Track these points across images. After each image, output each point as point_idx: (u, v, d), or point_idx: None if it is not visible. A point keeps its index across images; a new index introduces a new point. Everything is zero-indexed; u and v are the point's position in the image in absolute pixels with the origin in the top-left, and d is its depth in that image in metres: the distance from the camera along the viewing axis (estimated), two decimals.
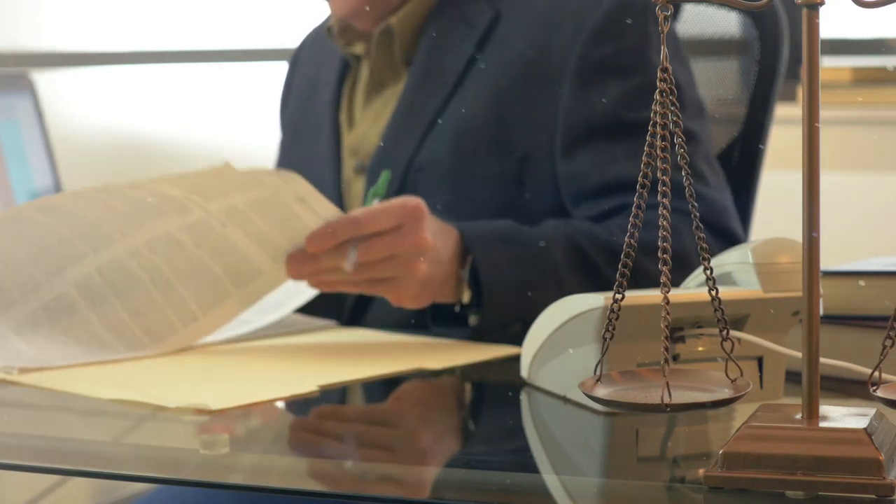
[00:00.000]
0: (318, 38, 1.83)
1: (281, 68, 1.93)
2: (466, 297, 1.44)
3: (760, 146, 1.84)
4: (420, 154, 1.63)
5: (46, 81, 3.14)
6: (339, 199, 1.70)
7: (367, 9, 1.67)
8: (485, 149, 1.61)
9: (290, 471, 1.07)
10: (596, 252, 1.50)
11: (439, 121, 1.63)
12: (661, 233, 0.88)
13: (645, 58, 1.58)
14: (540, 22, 1.62)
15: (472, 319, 1.46)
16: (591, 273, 1.48)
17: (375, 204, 1.43)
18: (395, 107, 1.66)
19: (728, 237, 1.57)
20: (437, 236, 1.41)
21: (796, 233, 0.91)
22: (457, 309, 1.46)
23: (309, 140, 1.78)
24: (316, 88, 1.79)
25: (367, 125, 1.70)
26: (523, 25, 1.63)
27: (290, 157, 1.83)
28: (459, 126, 1.62)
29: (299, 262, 1.38)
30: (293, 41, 1.91)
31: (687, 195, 0.90)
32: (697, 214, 0.90)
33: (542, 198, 1.59)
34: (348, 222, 1.37)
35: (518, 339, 1.22)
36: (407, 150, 1.63)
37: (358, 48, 1.72)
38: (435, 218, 1.43)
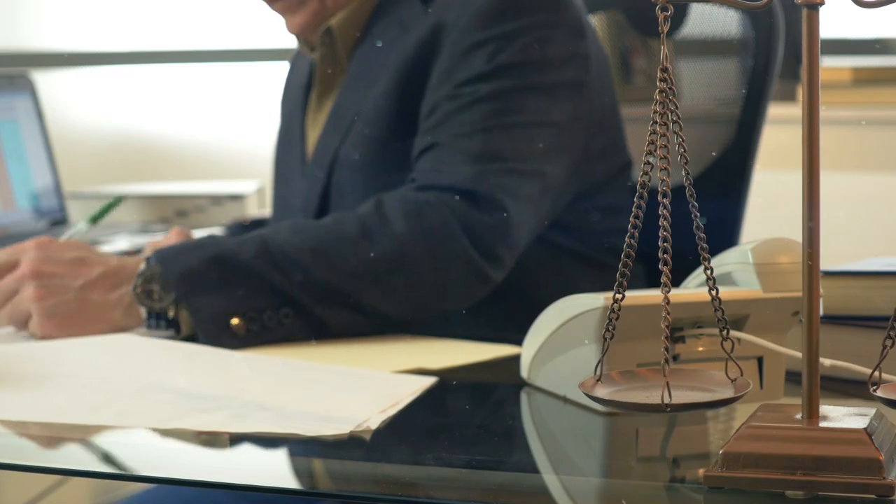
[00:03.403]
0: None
1: (281, 68, 1.93)
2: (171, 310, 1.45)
3: (753, 146, 1.84)
4: (340, 153, 1.66)
5: (46, 81, 3.15)
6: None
7: (316, 24, 1.69)
8: (391, 137, 1.63)
9: (289, 471, 1.07)
10: (294, 239, 1.49)
11: (359, 118, 1.64)
12: (661, 233, 0.88)
13: (511, 43, 1.59)
14: (446, 8, 1.63)
15: (185, 324, 1.45)
16: (284, 271, 1.47)
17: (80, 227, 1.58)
18: (331, 108, 1.69)
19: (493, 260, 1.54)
20: (62, 262, 1.46)
21: (795, 233, 0.91)
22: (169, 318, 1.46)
23: (290, 142, 1.80)
24: (299, 91, 1.81)
25: (321, 126, 1.73)
26: (446, 22, 1.63)
27: (279, 158, 1.86)
28: (370, 120, 1.65)
29: None
30: (293, 41, 1.91)
31: (687, 195, 0.90)
32: (698, 214, 0.90)
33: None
34: None
35: (518, 339, 1.22)
36: (331, 149, 1.67)
37: (318, 52, 1.74)
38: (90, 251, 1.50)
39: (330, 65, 1.72)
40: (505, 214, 1.53)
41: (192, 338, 1.44)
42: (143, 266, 1.46)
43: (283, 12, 1.70)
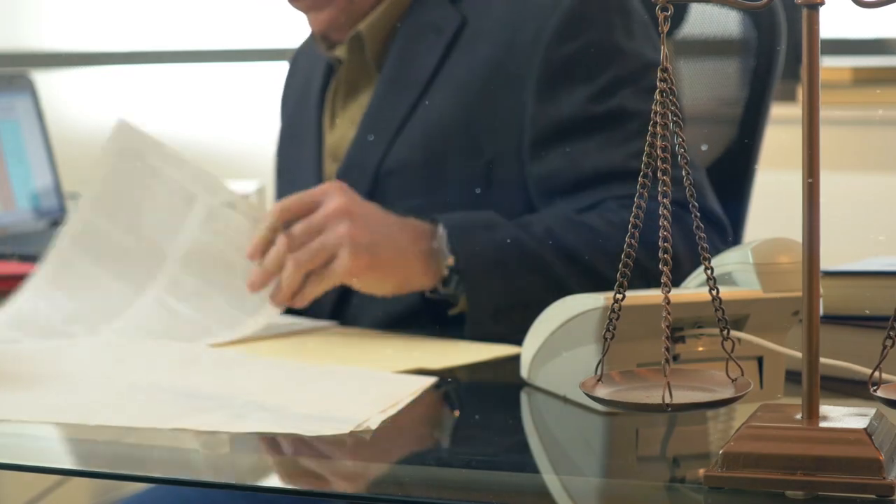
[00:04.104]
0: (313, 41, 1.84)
1: (281, 68, 1.93)
2: (448, 263, 1.47)
3: (755, 147, 1.84)
4: (388, 158, 1.64)
5: (46, 81, 3.14)
6: None
7: (342, 22, 1.68)
8: (453, 152, 1.62)
9: (289, 471, 1.07)
10: (572, 232, 1.52)
11: (408, 125, 1.64)
12: (661, 233, 0.88)
13: (610, 50, 1.59)
14: (504, 25, 1.63)
15: (461, 303, 1.48)
16: (570, 255, 1.50)
17: None
18: (365, 111, 1.68)
19: (709, 219, 1.57)
20: (368, 206, 1.49)
21: (796, 233, 0.91)
22: (436, 292, 1.49)
23: (299, 142, 1.79)
24: (308, 91, 1.80)
25: (345, 128, 1.72)
26: (489, 29, 1.63)
27: (284, 158, 1.85)
28: (427, 130, 1.63)
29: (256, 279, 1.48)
30: (293, 41, 1.91)
31: (687, 195, 0.90)
32: (698, 214, 0.90)
33: (511, 200, 1.59)
34: (275, 210, 1.48)
35: (518, 339, 1.22)
36: (376, 155, 1.65)
37: (340, 51, 1.73)
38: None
39: (357, 67, 1.71)
40: (724, 219, 1.59)
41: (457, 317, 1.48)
42: (441, 231, 1.49)
43: (306, 10, 1.68)
